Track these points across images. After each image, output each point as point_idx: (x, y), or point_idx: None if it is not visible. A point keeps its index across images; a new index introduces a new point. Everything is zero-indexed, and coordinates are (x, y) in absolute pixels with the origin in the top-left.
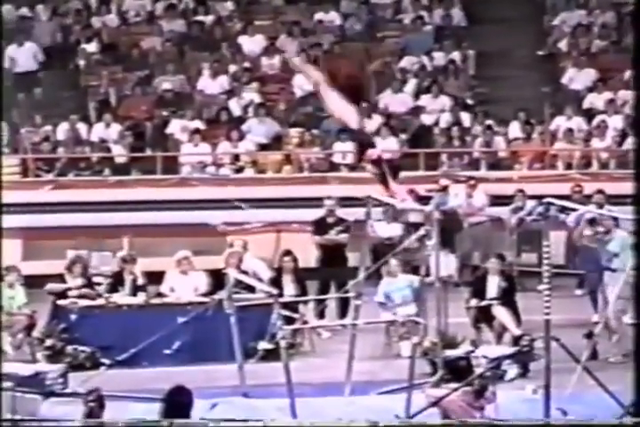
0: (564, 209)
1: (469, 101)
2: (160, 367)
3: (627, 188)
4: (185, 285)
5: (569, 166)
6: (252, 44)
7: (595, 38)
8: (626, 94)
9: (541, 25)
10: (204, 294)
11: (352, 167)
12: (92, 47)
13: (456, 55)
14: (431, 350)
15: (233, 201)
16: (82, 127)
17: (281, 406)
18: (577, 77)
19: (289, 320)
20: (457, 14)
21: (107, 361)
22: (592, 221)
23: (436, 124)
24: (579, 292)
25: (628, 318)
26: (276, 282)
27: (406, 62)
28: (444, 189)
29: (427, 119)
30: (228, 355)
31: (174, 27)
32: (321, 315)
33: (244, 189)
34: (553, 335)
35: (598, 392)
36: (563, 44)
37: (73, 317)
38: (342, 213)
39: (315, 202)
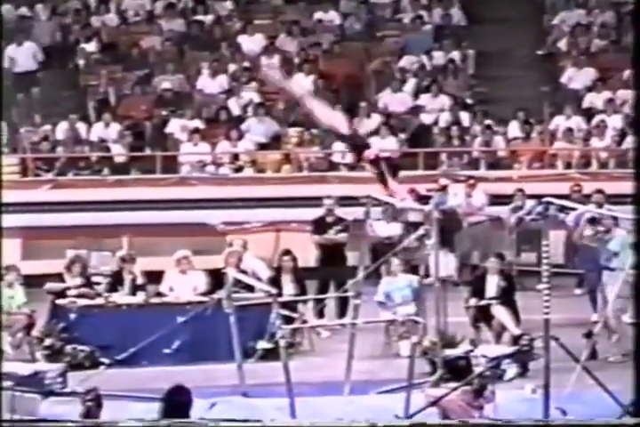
0: (563, 208)
1: (469, 101)
2: (159, 367)
3: (626, 187)
4: (184, 284)
5: (568, 166)
6: (251, 43)
7: (594, 38)
8: (625, 94)
9: (541, 24)
10: (204, 294)
11: (351, 167)
12: (91, 47)
13: (455, 55)
14: (430, 350)
15: (232, 200)
16: (81, 127)
17: (280, 406)
18: (576, 77)
19: (288, 320)
20: (456, 14)
21: (106, 360)
22: (592, 221)
23: (436, 123)
24: (578, 291)
25: (627, 318)
26: (276, 281)
27: (406, 62)
28: (444, 188)
29: (426, 119)
30: (228, 354)
31: (174, 26)
32: (320, 314)
33: (244, 189)
34: (552, 335)
35: (597, 392)
36: (562, 44)
37: (72, 316)
38: (341, 212)
39: (314, 201)
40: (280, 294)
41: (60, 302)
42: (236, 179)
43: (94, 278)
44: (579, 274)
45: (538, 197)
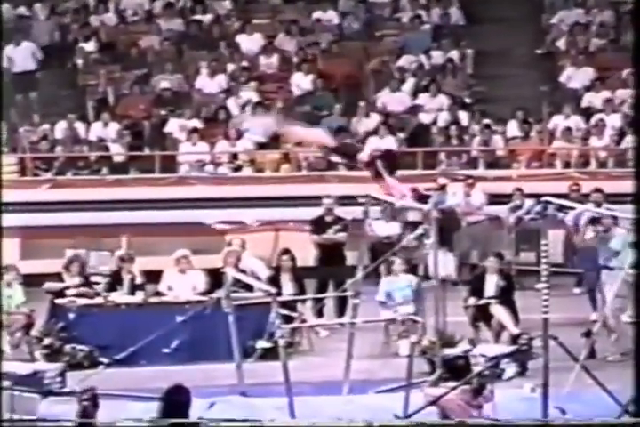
0: (562, 208)
1: (467, 100)
2: (158, 366)
3: (625, 186)
4: (183, 284)
5: (567, 165)
6: (250, 42)
7: (593, 37)
8: (624, 93)
9: (539, 24)
10: (203, 293)
11: (350, 166)
12: (90, 46)
13: (454, 54)
14: (429, 349)
15: (231, 200)
16: (80, 126)
17: (279, 405)
18: (575, 76)
19: (287, 319)
20: (455, 13)
21: (105, 360)
22: (593, 221)
23: (434, 122)
24: (577, 290)
25: (626, 317)
26: (275, 281)
27: (404, 61)
28: (443, 187)
29: (425, 118)
30: (227, 354)
31: (172, 26)
32: (319, 314)
33: (243, 188)
34: (551, 334)
35: (596, 391)
36: (561, 43)
37: (71, 316)
38: (341, 211)
39: (313, 201)
40: (279, 294)
41: (58, 301)
42: (234, 178)
43: (93, 278)
44: (578, 273)
45: (537, 196)
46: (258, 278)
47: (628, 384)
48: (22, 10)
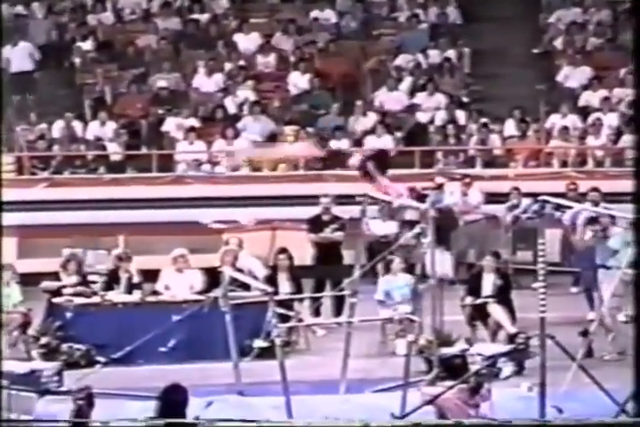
0: (559, 207)
1: (465, 99)
2: (155, 365)
3: (622, 185)
4: (180, 283)
5: (564, 164)
6: (247, 41)
7: (590, 36)
8: (621, 92)
9: (537, 23)
10: (200, 292)
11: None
12: (87, 45)
13: (451, 53)
14: (426, 348)
15: (228, 199)
16: (77, 125)
17: (276, 404)
18: (572, 75)
19: (284, 318)
20: (452, 12)
21: (102, 359)
22: (591, 220)
23: (432, 121)
24: (574, 289)
25: (622, 316)
26: (272, 280)
27: (402, 60)
28: (440, 186)
29: (422, 117)
30: (224, 353)
31: (170, 25)
32: (316, 313)
33: (240, 187)
34: (548, 333)
35: (593, 390)
36: (558, 42)
37: (68, 315)
38: (338, 210)
39: (310, 200)
40: (276, 293)
41: (56, 300)
42: (232, 177)
43: (90, 277)
44: (575, 272)
45: (534, 195)
46: (255, 277)
47: (625, 383)
48: (20, 9)
